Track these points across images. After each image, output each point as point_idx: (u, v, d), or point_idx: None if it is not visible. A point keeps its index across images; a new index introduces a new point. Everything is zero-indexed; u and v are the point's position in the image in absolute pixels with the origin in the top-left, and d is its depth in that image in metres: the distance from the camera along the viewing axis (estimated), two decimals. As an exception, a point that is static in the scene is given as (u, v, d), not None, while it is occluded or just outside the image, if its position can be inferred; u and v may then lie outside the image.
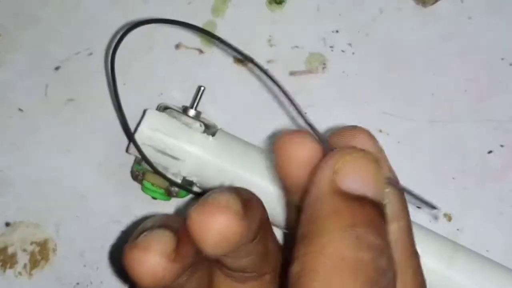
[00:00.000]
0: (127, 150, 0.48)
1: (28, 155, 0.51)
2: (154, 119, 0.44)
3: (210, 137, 0.45)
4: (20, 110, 0.51)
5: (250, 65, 0.52)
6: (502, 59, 0.51)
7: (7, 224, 0.49)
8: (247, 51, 0.52)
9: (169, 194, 0.45)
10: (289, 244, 0.23)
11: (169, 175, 0.44)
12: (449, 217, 0.48)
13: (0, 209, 0.50)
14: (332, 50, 0.52)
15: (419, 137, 0.50)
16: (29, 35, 0.53)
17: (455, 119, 0.50)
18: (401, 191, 0.27)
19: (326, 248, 0.20)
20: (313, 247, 0.21)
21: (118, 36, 0.39)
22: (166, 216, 0.40)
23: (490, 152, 0.50)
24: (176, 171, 0.44)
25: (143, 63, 0.52)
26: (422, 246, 0.42)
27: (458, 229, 0.48)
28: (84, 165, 0.50)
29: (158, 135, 0.44)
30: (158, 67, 0.52)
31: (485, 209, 0.49)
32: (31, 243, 0.49)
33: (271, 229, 0.32)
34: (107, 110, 0.51)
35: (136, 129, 0.44)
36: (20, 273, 0.49)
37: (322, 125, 0.50)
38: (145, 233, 0.27)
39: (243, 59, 0.49)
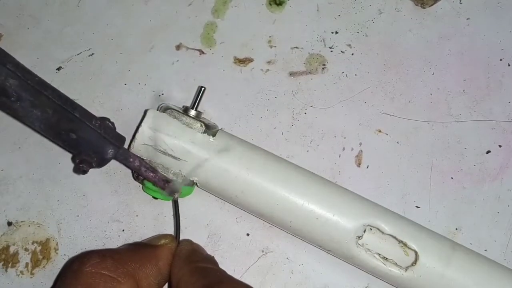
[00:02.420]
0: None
1: (30, 154, 0.51)
2: (155, 119, 0.44)
3: (211, 137, 0.45)
4: (22, 110, 0.51)
5: (250, 65, 0.52)
6: (501, 59, 0.51)
7: (9, 224, 0.49)
8: (247, 52, 0.53)
9: (170, 194, 0.45)
10: None
11: (170, 175, 0.44)
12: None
13: (2, 209, 0.50)
14: (331, 51, 0.52)
15: (417, 137, 0.50)
16: (30, 36, 0.53)
17: (454, 119, 0.50)
18: None
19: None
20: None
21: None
22: None
23: (488, 152, 0.50)
24: (177, 171, 0.44)
25: (144, 63, 0.52)
26: (421, 245, 0.43)
27: (456, 228, 0.49)
28: (85, 164, 0.50)
29: (159, 135, 0.44)
30: (159, 68, 0.52)
31: (483, 209, 0.49)
32: (33, 243, 0.49)
33: None
34: (108, 110, 0.51)
35: (137, 129, 0.44)
36: (21, 272, 0.49)
37: (321, 125, 0.51)
38: None
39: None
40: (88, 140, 0.40)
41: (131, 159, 0.43)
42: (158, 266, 0.42)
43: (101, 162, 0.42)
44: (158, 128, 0.44)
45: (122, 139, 0.43)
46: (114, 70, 0.52)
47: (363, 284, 0.48)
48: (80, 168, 0.41)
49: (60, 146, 0.42)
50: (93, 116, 0.41)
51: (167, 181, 0.44)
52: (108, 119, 0.42)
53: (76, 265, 0.39)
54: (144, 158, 0.45)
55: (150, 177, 0.44)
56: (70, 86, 0.52)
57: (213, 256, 0.44)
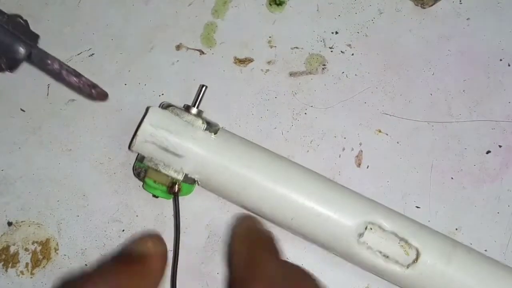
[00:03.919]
0: (129, 147, 0.48)
1: (30, 154, 0.51)
2: (156, 116, 0.44)
3: (212, 135, 0.45)
4: (22, 110, 0.51)
5: (250, 65, 0.52)
6: (501, 59, 0.52)
7: (9, 224, 0.49)
8: (247, 52, 0.53)
9: (170, 192, 0.45)
10: None
11: (171, 172, 0.44)
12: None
13: (2, 209, 0.50)
14: (331, 51, 0.52)
15: (417, 137, 0.50)
16: (30, 36, 0.53)
17: (454, 119, 0.50)
18: None
19: None
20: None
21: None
22: None
23: (488, 152, 0.50)
24: (178, 169, 0.44)
25: (144, 63, 0.52)
26: (422, 242, 0.43)
27: (456, 228, 0.49)
28: (85, 164, 0.50)
29: (160, 132, 0.44)
30: (159, 68, 0.52)
31: (483, 209, 0.49)
32: (33, 243, 0.49)
33: None
34: (108, 110, 0.51)
35: (138, 126, 0.44)
36: (22, 272, 0.49)
37: (321, 125, 0.51)
38: None
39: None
40: None
41: (49, 61, 0.38)
42: (153, 278, 0.40)
43: (13, 63, 0.37)
44: (159, 125, 0.44)
45: (36, 37, 0.38)
46: (114, 70, 0.52)
47: (363, 284, 0.48)
48: None
49: None
50: None
51: (93, 86, 0.40)
52: (20, 16, 0.38)
53: None
54: (146, 156, 0.45)
55: (73, 82, 0.39)
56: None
57: (270, 231, 0.43)
